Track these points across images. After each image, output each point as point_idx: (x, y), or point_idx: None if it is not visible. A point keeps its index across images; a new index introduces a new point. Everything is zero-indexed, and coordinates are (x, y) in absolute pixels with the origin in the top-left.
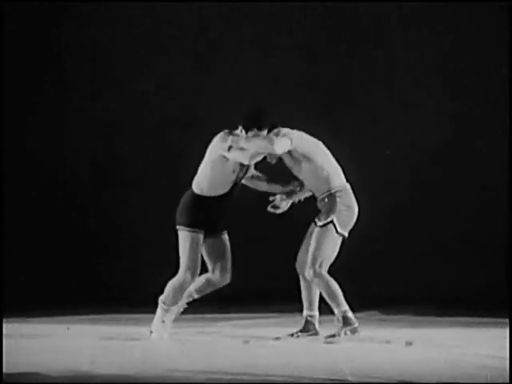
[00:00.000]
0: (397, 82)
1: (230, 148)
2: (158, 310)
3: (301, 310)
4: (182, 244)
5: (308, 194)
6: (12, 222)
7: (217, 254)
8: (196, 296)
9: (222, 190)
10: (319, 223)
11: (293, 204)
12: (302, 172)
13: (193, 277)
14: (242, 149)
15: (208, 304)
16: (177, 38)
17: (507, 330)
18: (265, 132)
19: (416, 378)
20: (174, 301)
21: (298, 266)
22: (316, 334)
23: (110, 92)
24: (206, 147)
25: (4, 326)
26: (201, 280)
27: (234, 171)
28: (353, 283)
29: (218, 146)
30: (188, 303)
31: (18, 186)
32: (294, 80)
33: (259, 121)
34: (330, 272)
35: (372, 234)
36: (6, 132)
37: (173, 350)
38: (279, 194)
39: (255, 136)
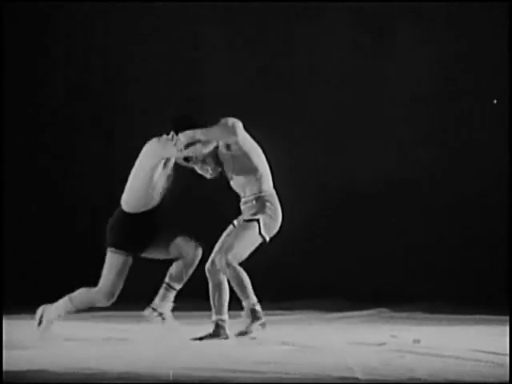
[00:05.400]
0: (394, 81)
1: (187, 146)
2: (62, 302)
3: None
4: (108, 265)
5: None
6: (12, 222)
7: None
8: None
9: (153, 202)
10: (245, 218)
11: None
12: (236, 170)
13: (108, 302)
14: (199, 142)
15: None
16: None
17: (507, 329)
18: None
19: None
20: (77, 308)
21: (209, 266)
22: (226, 338)
23: (107, 91)
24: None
25: (4, 324)
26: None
27: (169, 177)
28: (366, 280)
29: (162, 150)
30: None
31: (17, 186)
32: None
33: (190, 119)
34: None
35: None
36: (6, 131)
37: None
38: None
39: (196, 132)
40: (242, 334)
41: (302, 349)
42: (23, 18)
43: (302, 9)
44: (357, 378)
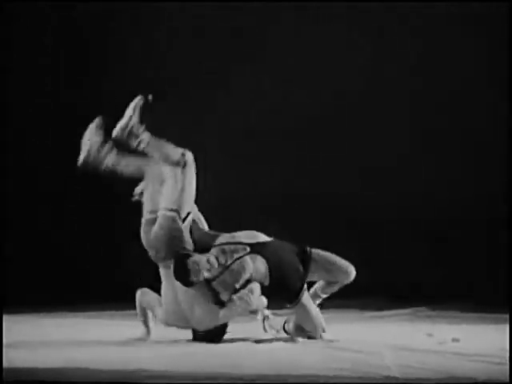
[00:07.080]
0: (392, 81)
1: None
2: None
3: None
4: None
5: None
6: (12, 222)
7: None
8: None
9: None
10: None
11: None
12: None
13: None
14: None
15: None
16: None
17: (507, 327)
18: None
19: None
20: None
21: None
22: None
23: (107, 91)
24: None
25: (4, 323)
26: None
27: None
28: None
29: None
30: None
31: (18, 186)
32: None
33: None
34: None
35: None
36: (7, 131)
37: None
38: None
39: None
40: None
41: (339, 347)
42: (23, 18)
43: (303, 8)
44: (394, 377)
